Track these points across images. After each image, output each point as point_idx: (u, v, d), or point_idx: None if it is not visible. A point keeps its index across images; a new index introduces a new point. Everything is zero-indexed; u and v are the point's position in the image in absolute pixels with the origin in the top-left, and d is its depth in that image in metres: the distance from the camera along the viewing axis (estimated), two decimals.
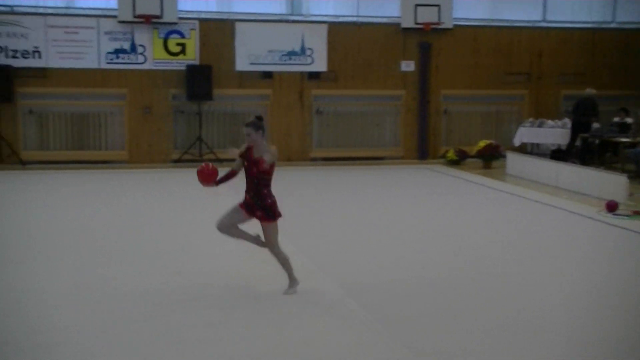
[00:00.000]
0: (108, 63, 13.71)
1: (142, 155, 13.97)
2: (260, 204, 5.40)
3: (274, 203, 5.46)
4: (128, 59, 13.79)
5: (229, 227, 5.54)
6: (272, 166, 5.38)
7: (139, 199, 10.23)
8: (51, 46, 13.49)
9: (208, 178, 5.43)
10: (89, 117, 13.82)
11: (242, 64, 14.11)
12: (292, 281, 5.59)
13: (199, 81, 13.71)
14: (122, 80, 13.77)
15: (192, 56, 13.92)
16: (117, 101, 13.85)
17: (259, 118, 5.49)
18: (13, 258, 6.65)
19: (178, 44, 13.91)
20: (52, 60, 13.49)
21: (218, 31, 14.04)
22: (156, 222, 8.54)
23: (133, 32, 13.71)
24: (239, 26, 14.04)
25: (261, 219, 5.44)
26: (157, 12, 13.47)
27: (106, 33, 13.67)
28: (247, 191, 5.46)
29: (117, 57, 13.75)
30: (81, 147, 13.82)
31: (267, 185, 5.45)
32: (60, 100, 13.67)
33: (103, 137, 13.91)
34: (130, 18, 13.48)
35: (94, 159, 13.75)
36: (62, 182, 11.59)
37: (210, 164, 5.50)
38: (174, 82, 13.85)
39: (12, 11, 13.50)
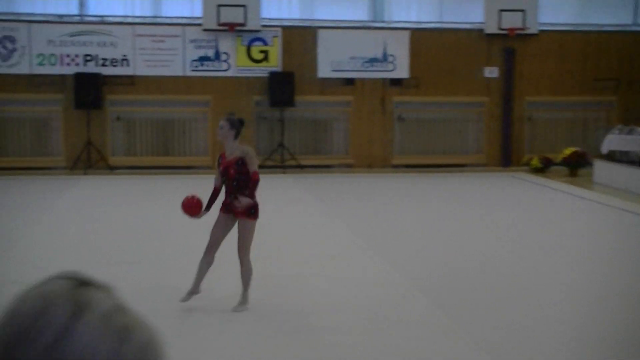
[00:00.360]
0: (193, 70, 15.00)
1: None
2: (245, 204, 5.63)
3: (256, 204, 5.67)
4: (212, 66, 15.05)
5: (210, 249, 5.70)
6: (249, 165, 5.60)
7: (217, 204, 11.17)
8: (139, 54, 14.86)
9: (193, 210, 5.64)
10: (174, 123, 15.13)
11: (324, 71, 15.18)
12: (244, 298, 5.69)
13: (281, 88, 14.84)
14: (206, 87, 15.02)
15: (275, 63, 15.07)
16: (201, 108, 15.12)
17: (240, 121, 5.80)
18: (113, 259, 7.32)
19: (261, 51, 15.09)
20: (140, 68, 14.86)
21: (300, 38, 15.15)
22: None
23: (217, 40, 14.96)
24: (321, 33, 15.11)
25: (240, 215, 5.61)
26: (241, 20, 14.68)
27: (191, 41, 14.96)
28: (226, 196, 5.71)
29: (202, 65, 15.03)
30: (166, 152, 15.13)
31: (247, 187, 5.62)
32: (147, 107, 15.02)
33: (187, 143, 15.20)
34: (214, 26, 14.72)
35: (178, 164, 15.05)
36: (148, 187, 12.83)
37: (195, 197, 5.71)
38: (257, 89, 15.02)
39: (102, 21, 14.93)
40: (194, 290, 5.72)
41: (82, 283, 0.85)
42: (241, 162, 5.63)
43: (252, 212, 5.68)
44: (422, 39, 15.31)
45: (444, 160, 15.48)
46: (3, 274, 6.48)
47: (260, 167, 14.88)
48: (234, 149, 5.69)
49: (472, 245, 8.21)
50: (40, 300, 0.82)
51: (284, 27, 15.06)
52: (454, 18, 15.57)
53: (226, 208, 5.72)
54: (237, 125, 5.74)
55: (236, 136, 5.70)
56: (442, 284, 6.57)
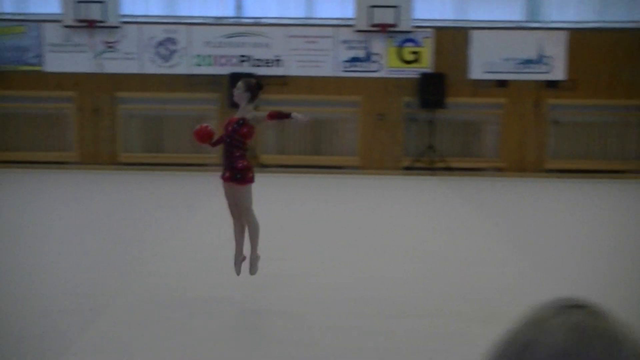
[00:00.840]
0: (344, 71, 16.61)
1: (374, 161, 16.67)
2: (230, 166, 6.17)
3: (245, 167, 6.19)
4: (363, 67, 16.60)
5: (233, 215, 6.45)
6: (249, 130, 6.11)
7: (369, 203, 12.26)
8: (291, 55, 16.66)
9: (203, 138, 6.31)
10: (324, 123, 16.80)
11: (476, 72, 16.39)
12: (255, 256, 6.44)
13: (432, 89, 16.16)
14: (357, 88, 16.57)
15: (426, 64, 16.44)
16: (351, 108, 16.68)
17: (258, 85, 6.20)
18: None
19: (412, 52, 16.50)
20: (292, 68, 16.63)
21: (453, 39, 16.42)
22: (387, 227, 10.23)
23: (368, 41, 16.49)
24: (474, 34, 16.35)
25: (229, 180, 6.20)
26: (392, 21, 16.14)
27: (343, 42, 16.59)
28: (223, 156, 6.27)
29: (353, 65, 16.60)
30: (316, 152, 16.83)
31: (240, 147, 6.15)
32: (298, 107, 16.69)
33: (336, 142, 16.84)
34: (366, 27, 16.28)
35: (328, 164, 16.69)
36: (298, 185, 14.43)
37: (205, 125, 6.43)
38: (407, 90, 16.42)
39: (257, 23, 16.85)
40: (239, 258, 6.51)
41: (594, 312, 0.98)
42: (242, 122, 6.12)
43: (238, 178, 6.19)
44: (580, 39, 16.17)
45: (601, 166, 16.20)
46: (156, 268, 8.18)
47: (408, 168, 16.28)
48: (244, 112, 6.17)
49: None
50: (573, 334, 0.96)
51: (436, 28, 16.37)
52: (615, 17, 16.32)
53: (222, 174, 6.30)
54: (252, 88, 6.15)
55: (251, 99, 6.14)
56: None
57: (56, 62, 16.44)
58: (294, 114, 6.09)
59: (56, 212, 11.13)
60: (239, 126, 6.15)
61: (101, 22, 16.01)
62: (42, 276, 7.31)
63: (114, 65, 16.42)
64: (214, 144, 6.41)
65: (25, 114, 16.60)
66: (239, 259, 6.54)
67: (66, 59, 16.42)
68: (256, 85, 6.22)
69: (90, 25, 16.02)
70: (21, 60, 16.44)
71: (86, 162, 16.50)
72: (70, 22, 16.03)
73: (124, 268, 7.69)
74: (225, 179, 6.28)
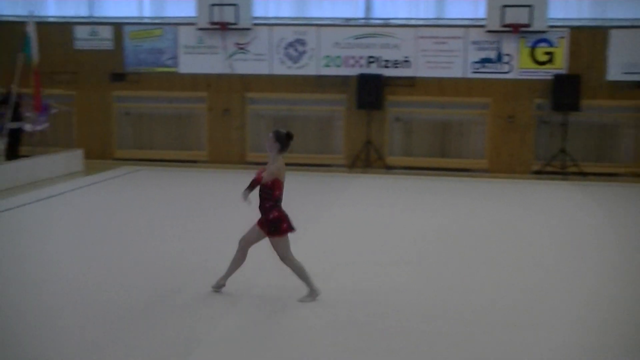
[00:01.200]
0: (473, 72, 17.43)
1: (503, 164, 17.40)
2: (264, 218, 6.79)
3: (276, 218, 6.70)
4: (493, 68, 17.38)
5: (244, 244, 6.99)
6: (273, 182, 6.66)
7: (499, 208, 12.76)
8: (420, 56, 17.67)
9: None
10: (452, 125, 17.70)
11: (614, 73, 16.83)
12: (311, 290, 6.96)
13: (565, 91, 16.67)
14: (486, 90, 17.34)
15: (560, 65, 17.00)
16: (480, 110, 17.47)
17: (289, 135, 6.74)
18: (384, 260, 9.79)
19: (546, 53, 17.11)
20: (421, 69, 17.63)
21: (589, 39, 16.81)
22: (515, 234, 10.94)
23: (500, 41, 17.24)
24: (613, 33, 16.80)
25: (260, 225, 6.87)
26: (526, 21, 16.84)
27: (473, 43, 17.42)
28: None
29: (483, 67, 17.41)
30: (443, 154, 17.76)
31: (269, 199, 6.69)
32: (426, 109, 17.75)
33: (464, 145, 17.70)
34: (498, 27, 17.06)
35: (455, 166, 17.55)
36: (423, 188, 15.28)
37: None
38: (539, 92, 17.01)
39: (386, 24, 18.01)
40: (221, 282, 7.14)
41: None
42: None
43: (272, 230, 6.75)
44: None
45: None
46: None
47: (538, 172, 16.89)
48: (270, 163, 6.79)
49: None
50: None
51: (572, 28, 16.93)
52: None
53: (259, 222, 6.92)
54: (281, 139, 6.73)
55: (280, 150, 6.74)
56: None
57: (190, 64, 18.21)
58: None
59: (188, 205, 12.66)
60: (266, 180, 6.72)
61: (233, 24, 17.64)
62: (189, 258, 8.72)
63: (244, 67, 18.01)
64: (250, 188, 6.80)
65: (160, 114, 18.47)
66: (220, 282, 7.17)
67: (199, 60, 18.17)
68: (286, 137, 6.78)
69: (222, 27, 17.67)
70: (157, 62, 18.33)
71: (216, 161, 18.15)
72: (204, 25, 17.74)
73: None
74: (259, 224, 6.94)
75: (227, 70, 17.96)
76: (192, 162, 18.14)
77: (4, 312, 6.74)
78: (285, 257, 6.90)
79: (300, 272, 6.97)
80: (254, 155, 18.04)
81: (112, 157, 18.31)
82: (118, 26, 18.24)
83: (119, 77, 18.38)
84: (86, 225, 10.75)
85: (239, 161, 18.03)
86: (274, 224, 6.75)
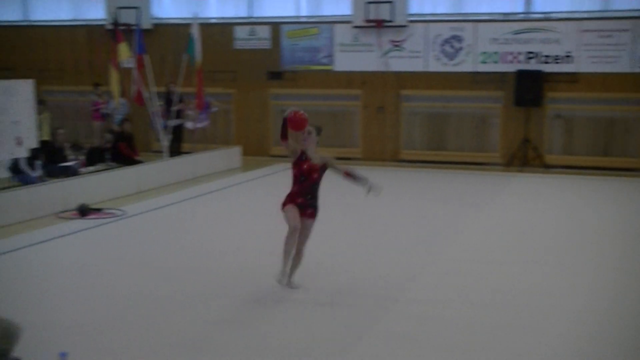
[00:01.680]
0: None
1: None
2: (315, 204, 7.19)
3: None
4: None
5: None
6: (322, 169, 7.08)
7: None
8: (583, 50, 16.93)
9: (298, 125, 6.95)
10: (617, 122, 16.79)
11: None
12: (288, 273, 7.23)
13: None
14: None
15: None
16: None
17: (319, 128, 7.16)
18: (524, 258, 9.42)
19: None
20: (584, 64, 16.87)
21: None
22: None
23: None
24: None
25: (312, 216, 7.20)
26: None
27: None
28: (300, 195, 7.12)
29: None
30: (605, 153, 16.88)
31: (316, 190, 7.17)
32: (589, 105, 16.97)
33: (630, 143, 16.72)
34: None
35: (619, 165, 16.62)
36: (583, 188, 14.64)
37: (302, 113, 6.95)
38: None
39: (547, 18, 17.37)
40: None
41: None
42: (325, 170, 7.13)
43: (316, 213, 7.26)
44: None
45: None
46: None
47: None
48: (316, 156, 7.12)
49: None
50: None
51: None
52: None
53: (300, 207, 7.12)
54: (320, 132, 7.21)
55: (317, 142, 7.15)
56: None
57: (345, 62, 18.36)
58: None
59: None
60: (323, 172, 7.17)
61: (389, 21, 17.60)
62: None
63: (399, 64, 17.93)
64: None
65: (315, 112, 18.72)
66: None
67: (354, 58, 18.28)
68: (320, 130, 7.30)
69: (378, 25, 17.68)
70: (313, 60, 18.61)
71: (369, 159, 18.21)
72: (360, 23, 17.82)
73: (418, 259, 8.91)
74: (309, 215, 7.22)
75: (381, 68, 17.95)
76: (346, 159, 18.25)
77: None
78: (306, 242, 7.36)
79: (300, 261, 7.42)
80: (407, 152, 17.95)
81: (268, 154, 18.76)
82: (276, 26, 18.67)
83: (276, 75, 18.82)
84: (250, 219, 11.06)
85: (393, 158, 18.00)
86: (318, 208, 7.29)
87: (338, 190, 9.45)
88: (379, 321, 6.52)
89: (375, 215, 11.25)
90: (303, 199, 7.14)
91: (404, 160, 17.78)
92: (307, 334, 6.19)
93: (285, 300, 7.08)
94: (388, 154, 18.12)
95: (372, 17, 17.56)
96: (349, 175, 7.24)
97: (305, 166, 7.08)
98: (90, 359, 5.51)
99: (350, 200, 11.12)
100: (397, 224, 10.82)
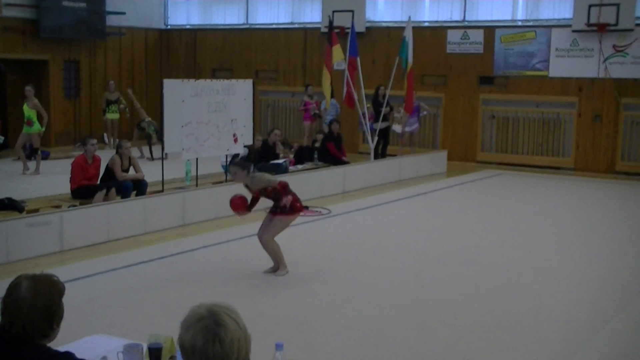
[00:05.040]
0: None
1: None
2: (277, 206, 7.93)
3: (291, 202, 7.90)
4: None
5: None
6: (267, 189, 7.83)
7: None
8: None
9: (238, 207, 7.86)
10: None
11: None
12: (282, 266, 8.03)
13: None
14: None
15: None
16: None
17: (245, 161, 7.81)
18: None
19: None
20: None
21: None
22: None
23: None
24: None
25: (274, 213, 7.92)
26: None
27: None
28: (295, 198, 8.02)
29: None
30: None
31: (279, 198, 7.88)
32: None
33: None
34: None
35: None
36: None
37: (238, 196, 7.90)
38: None
39: None
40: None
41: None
42: (264, 190, 7.92)
43: (285, 210, 7.96)
44: None
45: None
46: None
47: None
48: (252, 185, 7.94)
49: None
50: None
51: None
52: None
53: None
54: (245, 166, 8.01)
55: (248, 173, 7.91)
56: None
57: (561, 67, 17.62)
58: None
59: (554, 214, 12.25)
60: (264, 193, 8.02)
61: (613, 25, 16.68)
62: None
63: (621, 70, 16.94)
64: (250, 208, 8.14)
65: (526, 118, 18.18)
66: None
67: (571, 64, 17.49)
68: (244, 162, 8.43)
69: (600, 29, 16.81)
70: (527, 65, 18.04)
71: (582, 169, 17.36)
72: (580, 27, 17.03)
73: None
74: (275, 214, 8.04)
75: (601, 75, 17.04)
76: (556, 168, 17.57)
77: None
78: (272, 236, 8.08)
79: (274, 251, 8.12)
80: (625, 164, 16.92)
81: (475, 160, 18.45)
82: (490, 29, 18.31)
83: (487, 80, 18.46)
84: (450, 224, 10.97)
85: (607, 170, 17.04)
86: (287, 206, 8.02)
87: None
88: None
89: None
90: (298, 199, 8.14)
91: (620, 173, 16.79)
92: None
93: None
94: (602, 165, 17.17)
95: (594, 20, 16.71)
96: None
97: (255, 195, 8.13)
98: (265, 344, 5.68)
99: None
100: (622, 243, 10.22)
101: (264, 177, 7.95)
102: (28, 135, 14.71)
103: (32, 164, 14.72)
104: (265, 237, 8.00)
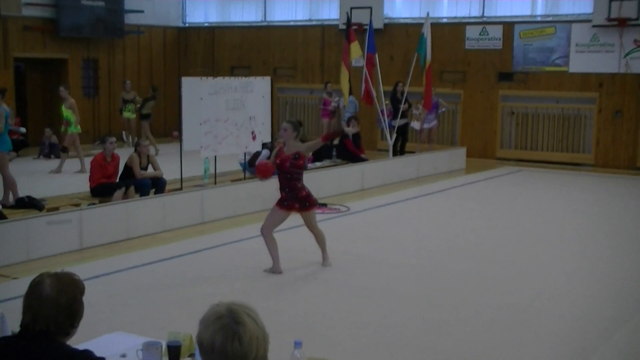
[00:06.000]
0: None
1: None
2: (296, 197, 7.57)
3: (308, 194, 7.62)
4: None
5: (269, 229, 7.68)
6: (303, 158, 7.53)
7: None
8: None
9: (264, 172, 7.61)
10: None
11: None
12: (325, 255, 8.02)
13: None
14: None
15: None
16: None
17: (299, 123, 7.29)
18: None
19: None
20: None
21: None
22: None
23: None
24: None
25: (299, 210, 7.62)
26: None
27: None
28: (281, 189, 7.66)
29: None
30: None
31: (299, 179, 7.61)
32: None
33: None
34: None
35: None
36: None
37: (264, 161, 7.84)
38: None
39: None
40: (279, 269, 7.83)
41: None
42: (297, 156, 7.53)
43: (306, 205, 7.64)
44: None
45: None
46: None
47: None
48: (293, 148, 7.58)
49: None
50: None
51: None
52: None
53: (283, 204, 7.67)
54: (297, 127, 7.68)
55: (297, 136, 7.63)
56: None
57: (581, 63, 17.50)
58: (345, 129, 7.78)
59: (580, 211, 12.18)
60: (295, 160, 7.58)
61: (633, 20, 16.54)
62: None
63: None
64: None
65: (545, 114, 18.08)
66: (278, 269, 7.89)
67: (591, 59, 17.37)
68: (300, 124, 7.90)
69: (620, 24, 16.68)
70: (547, 61, 17.93)
71: (602, 165, 17.24)
72: (601, 22, 16.90)
73: None
74: (297, 210, 7.73)
75: (622, 70, 16.91)
76: (576, 164, 17.47)
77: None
78: (316, 225, 7.94)
79: (323, 239, 8.03)
80: None
81: (494, 156, 18.37)
82: (509, 25, 18.22)
83: (506, 76, 18.37)
84: (468, 221, 10.95)
85: (629, 166, 16.91)
86: (307, 199, 7.73)
87: None
88: None
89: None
90: (284, 193, 7.73)
91: None
92: None
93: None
94: (623, 161, 17.05)
95: (614, 15, 16.58)
96: (327, 136, 8.40)
97: (278, 160, 7.70)
98: (317, 345, 5.69)
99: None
100: None
101: (309, 144, 8.01)
102: (72, 134, 14.63)
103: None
104: (314, 229, 8.07)
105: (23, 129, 15.45)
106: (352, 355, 5.76)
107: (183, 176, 11.71)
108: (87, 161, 11.96)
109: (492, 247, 9.40)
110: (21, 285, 2.97)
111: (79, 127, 14.77)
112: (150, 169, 11.42)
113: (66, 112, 14.59)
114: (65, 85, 15.68)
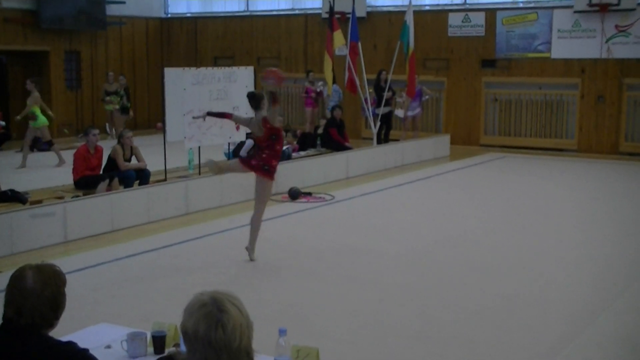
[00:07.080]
0: None
1: None
2: (260, 163, 7.71)
3: (273, 164, 7.72)
4: None
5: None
6: (273, 133, 7.68)
7: None
8: None
9: (274, 73, 7.69)
10: None
11: None
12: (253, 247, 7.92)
13: None
14: None
15: None
16: None
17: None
18: None
19: None
20: None
21: None
22: None
23: None
24: None
25: (262, 174, 7.71)
26: None
27: None
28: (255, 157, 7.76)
29: None
30: None
31: (269, 147, 7.70)
32: None
33: None
34: None
35: None
36: None
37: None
38: None
39: None
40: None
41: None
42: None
43: (265, 168, 7.72)
44: None
45: None
46: None
47: None
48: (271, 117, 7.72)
49: None
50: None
51: None
52: None
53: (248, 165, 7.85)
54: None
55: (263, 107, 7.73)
56: None
57: (563, 49, 17.55)
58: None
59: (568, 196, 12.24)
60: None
61: (615, 5, 16.58)
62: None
63: (623, 51, 16.86)
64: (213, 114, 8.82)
65: (528, 101, 18.13)
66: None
67: (574, 45, 17.40)
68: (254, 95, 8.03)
69: (602, 9, 16.71)
70: (529, 47, 17.95)
71: (585, 151, 17.31)
72: (582, 7, 16.92)
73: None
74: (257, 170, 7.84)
75: (604, 55, 16.96)
76: (559, 150, 17.54)
77: None
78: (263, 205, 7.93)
79: (258, 228, 7.97)
80: (629, 145, 16.88)
81: (478, 143, 18.41)
82: (491, 12, 18.22)
83: (489, 63, 18.39)
84: (453, 208, 10.97)
85: (611, 151, 16.99)
86: (271, 168, 7.79)
87: None
88: None
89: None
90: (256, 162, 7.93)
91: (624, 154, 16.75)
92: None
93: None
94: (606, 146, 17.13)
95: (596, 1, 16.62)
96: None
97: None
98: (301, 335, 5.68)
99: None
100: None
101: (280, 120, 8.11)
102: (34, 129, 14.63)
103: (39, 157, 14.64)
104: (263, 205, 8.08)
105: (2, 122, 15.33)
106: (340, 343, 5.75)
107: (167, 167, 11.65)
108: (68, 154, 11.84)
109: (478, 234, 9.42)
110: (6, 279, 2.93)
111: (44, 118, 14.64)
112: (134, 161, 11.36)
113: (34, 107, 14.52)
114: (34, 78, 15.56)
